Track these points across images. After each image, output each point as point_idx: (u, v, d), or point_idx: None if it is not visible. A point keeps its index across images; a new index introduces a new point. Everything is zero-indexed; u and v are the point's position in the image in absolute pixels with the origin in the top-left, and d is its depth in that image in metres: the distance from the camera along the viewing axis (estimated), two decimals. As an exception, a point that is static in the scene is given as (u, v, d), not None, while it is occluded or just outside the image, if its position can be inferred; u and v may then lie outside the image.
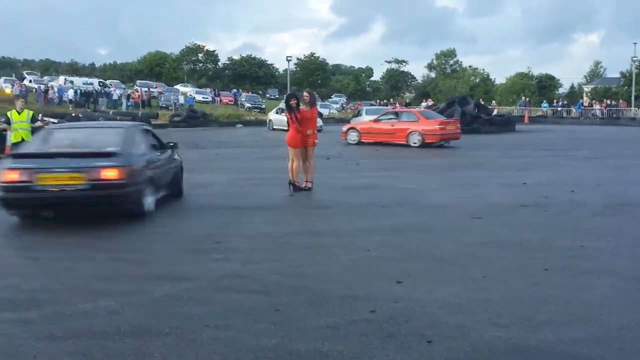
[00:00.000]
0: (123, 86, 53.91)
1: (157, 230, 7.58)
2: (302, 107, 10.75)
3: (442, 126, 20.73)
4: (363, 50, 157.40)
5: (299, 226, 8.02)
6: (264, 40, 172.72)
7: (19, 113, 12.93)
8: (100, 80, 56.29)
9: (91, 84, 50.55)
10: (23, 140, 12.92)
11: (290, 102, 10.85)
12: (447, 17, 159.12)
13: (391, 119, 22.51)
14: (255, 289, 4.98)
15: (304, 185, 10.76)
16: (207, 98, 56.69)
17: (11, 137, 13.11)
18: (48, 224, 8.03)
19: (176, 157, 9.98)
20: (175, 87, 61.59)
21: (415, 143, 20.36)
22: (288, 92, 29.74)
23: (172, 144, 9.79)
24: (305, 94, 11.10)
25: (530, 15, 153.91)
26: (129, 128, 9.23)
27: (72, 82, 49.81)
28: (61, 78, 52.37)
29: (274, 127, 33.93)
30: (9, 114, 13.16)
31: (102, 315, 4.38)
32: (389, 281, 5.14)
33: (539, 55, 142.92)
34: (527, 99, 53.27)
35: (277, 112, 36.01)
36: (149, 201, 8.10)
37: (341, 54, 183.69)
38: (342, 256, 6.06)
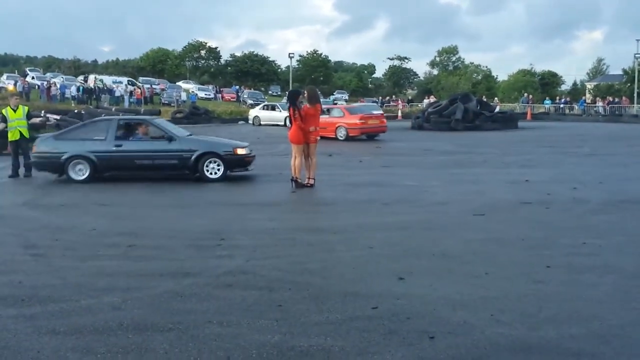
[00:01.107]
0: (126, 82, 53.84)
1: (160, 226, 7.60)
2: (305, 104, 10.81)
3: (363, 121, 22.85)
4: (366, 47, 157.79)
5: (301, 223, 8.03)
6: (267, 38, 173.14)
7: (14, 110, 12.60)
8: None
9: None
10: (22, 137, 12.75)
11: (296, 99, 10.88)
12: (450, 14, 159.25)
13: (323, 114, 24.04)
14: (258, 285, 4.99)
15: (306, 182, 10.79)
16: (209, 95, 56.76)
17: (8, 135, 12.72)
18: (50, 220, 8.06)
19: (185, 146, 11.94)
20: (177, 83, 61.60)
21: (341, 136, 22.58)
22: (290, 89, 29.77)
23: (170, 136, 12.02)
24: (305, 91, 11.20)
25: (533, 12, 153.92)
26: (81, 123, 14.14)
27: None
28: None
29: (262, 122, 33.78)
30: (3, 111, 12.75)
31: (105, 311, 4.39)
32: (391, 278, 5.15)
33: (541, 52, 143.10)
34: (530, 96, 53.18)
35: (263, 109, 35.90)
36: (81, 172, 11.79)
37: (344, 51, 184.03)
38: (345, 253, 6.07)
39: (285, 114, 32.30)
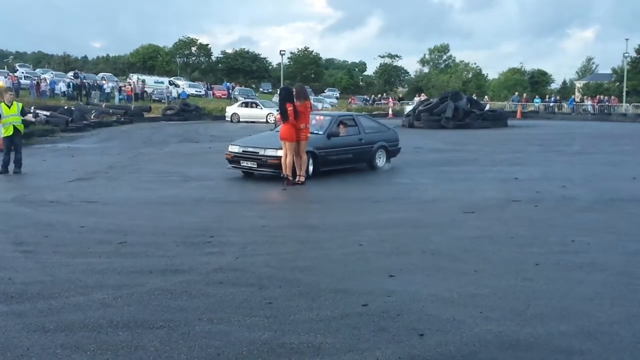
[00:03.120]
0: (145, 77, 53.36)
1: (150, 223, 7.57)
2: (295, 101, 10.83)
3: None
4: (358, 45, 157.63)
5: (292, 220, 8.04)
6: (259, 34, 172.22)
7: (9, 106, 12.53)
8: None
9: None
10: (18, 132, 12.64)
11: (292, 96, 10.91)
12: (443, 11, 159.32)
13: None
14: (248, 282, 4.99)
15: (296, 179, 10.79)
16: (200, 91, 56.57)
17: (2, 131, 12.59)
18: (39, 216, 8.01)
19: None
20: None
21: None
22: (282, 86, 29.76)
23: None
24: (293, 88, 11.27)
25: (525, 10, 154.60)
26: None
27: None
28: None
29: (241, 120, 33.61)
30: None
31: (95, 308, 4.38)
32: (381, 275, 5.17)
33: (532, 50, 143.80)
34: (524, 95, 53.29)
35: (242, 106, 35.77)
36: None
37: (336, 48, 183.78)
38: (335, 250, 6.08)
39: (268, 111, 32.44)
